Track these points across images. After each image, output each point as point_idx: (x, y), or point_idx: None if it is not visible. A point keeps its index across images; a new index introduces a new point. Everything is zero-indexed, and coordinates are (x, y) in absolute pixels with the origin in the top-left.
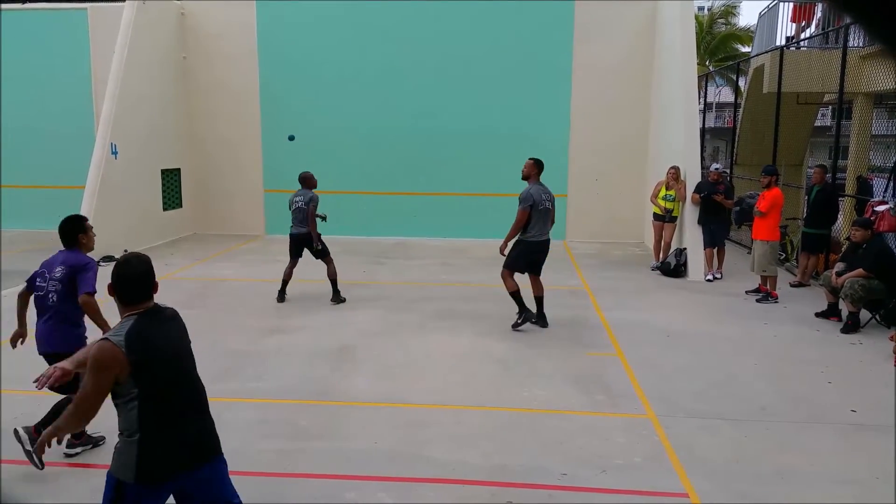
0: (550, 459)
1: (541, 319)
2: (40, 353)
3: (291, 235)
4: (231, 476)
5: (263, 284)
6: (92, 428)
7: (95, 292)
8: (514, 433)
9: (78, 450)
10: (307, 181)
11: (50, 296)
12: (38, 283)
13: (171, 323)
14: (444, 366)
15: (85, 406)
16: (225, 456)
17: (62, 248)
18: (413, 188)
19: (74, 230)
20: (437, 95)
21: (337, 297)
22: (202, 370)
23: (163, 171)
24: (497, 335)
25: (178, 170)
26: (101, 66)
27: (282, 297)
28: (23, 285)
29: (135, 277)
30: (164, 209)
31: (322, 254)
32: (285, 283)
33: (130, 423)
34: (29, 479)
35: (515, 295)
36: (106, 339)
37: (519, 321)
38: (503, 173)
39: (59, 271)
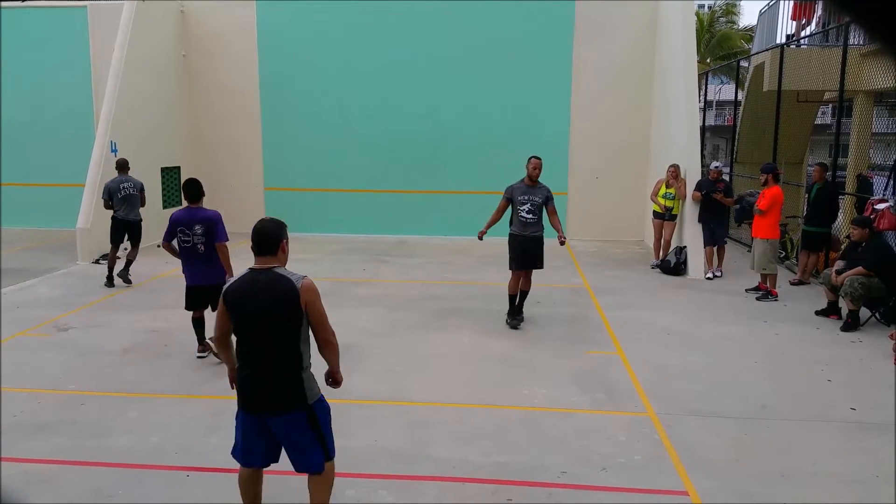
0: (551, 458)
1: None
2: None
3: (122, 221)
4: (232, 474)
5: None
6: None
7: (228, 240)
8: (514, 431)
9: (205, 354)
10: (126, 167)
11: (198, 246)
12: (182, 238)
13: (268, 286)
14: (446, 364)
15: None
16: (229, 453)
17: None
18: (414, 187)
19: (201, 191)
20: (437, 94)
21: (125, 276)
22: (202, 368)
23: (162, 170)
24: (498, 334)
25: (178, 168)
26: (101, 65)
27: (111, 283)
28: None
29: (257, 235)
30: (164, 207)
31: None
32: (112, 269)
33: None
34: (28, 479)
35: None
36: (229, 280)
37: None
38: (504, 172)
39: (198, 228)
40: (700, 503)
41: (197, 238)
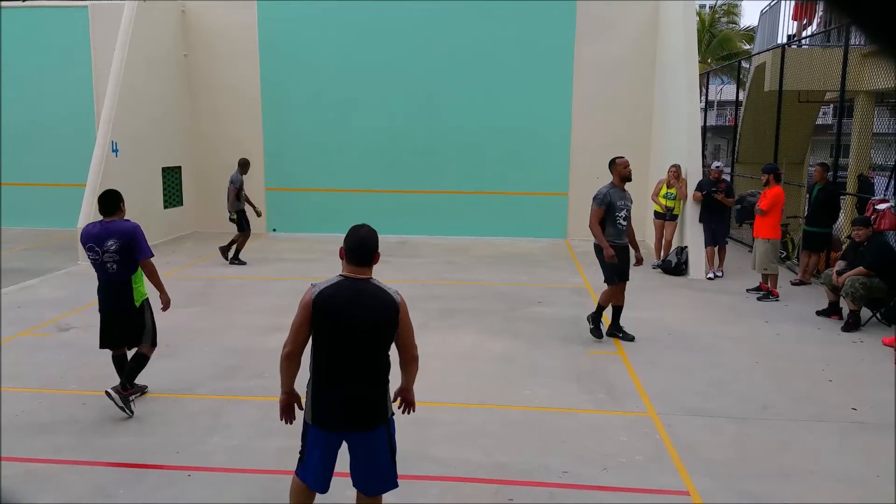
0: (552, 458)
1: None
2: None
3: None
4: (232, 474)
5: (264, 282)
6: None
7: (153, 255)
8: (515, 431)
9: (133, 397)
10: (239, 165)
11: (109, 265)
12: (91, 256)
13: (367, 298)
14: (446, 364)
15: (290, 330)
16: (234, 452)
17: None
18: (415, 186)
19: (119, 203)
20: (438, 93)
21: (225, 254)
22: (202, 368)
23: (163, 170)
24: (499, 333)
25: (179, 168)
26: (102, 65)
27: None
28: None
29: (357, 244)
30: (165, 207)
31: (238, 226)
32: (238, 249)
33: (311, 368)
34: (29, 478)
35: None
36: (313, 285)
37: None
38: (505, 171)
39: (112, 244)
40: (701, 503)
41: (108, 256)
